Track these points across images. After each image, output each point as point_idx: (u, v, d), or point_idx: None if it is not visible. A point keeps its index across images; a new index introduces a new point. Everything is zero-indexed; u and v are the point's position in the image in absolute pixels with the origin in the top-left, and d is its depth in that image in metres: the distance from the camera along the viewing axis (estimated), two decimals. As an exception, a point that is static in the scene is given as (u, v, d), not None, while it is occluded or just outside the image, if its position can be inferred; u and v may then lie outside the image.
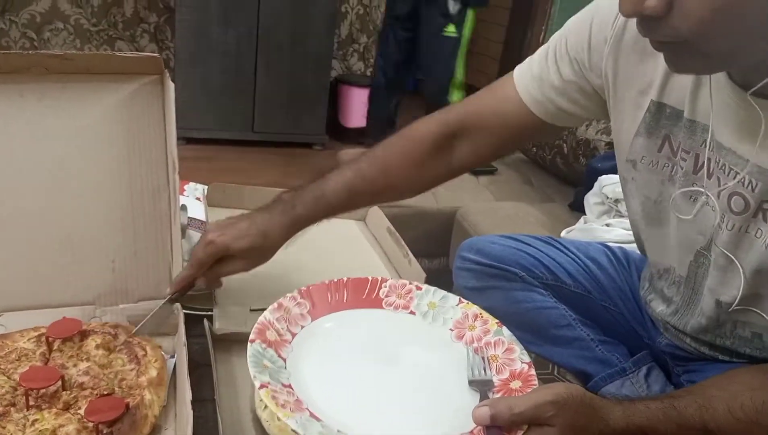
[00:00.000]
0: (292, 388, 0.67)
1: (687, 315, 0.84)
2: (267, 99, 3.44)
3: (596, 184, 1.67)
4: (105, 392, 0.70)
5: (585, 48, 0.81)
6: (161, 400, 0.71)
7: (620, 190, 1.60)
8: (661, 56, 0.72)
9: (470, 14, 2.81)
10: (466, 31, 2.81)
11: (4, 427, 0.65)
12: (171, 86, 0.83)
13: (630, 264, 1.06)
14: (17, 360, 0.73)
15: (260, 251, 0.87)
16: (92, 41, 3.48)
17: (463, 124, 0.94)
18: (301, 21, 3.31)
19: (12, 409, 0.67)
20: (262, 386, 0.63)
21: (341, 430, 0.61)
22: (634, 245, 0.98)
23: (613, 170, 1.69)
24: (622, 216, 1.57)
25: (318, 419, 0.63)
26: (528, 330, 1.06)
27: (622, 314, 1.04)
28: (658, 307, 0.90)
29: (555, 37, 0.86)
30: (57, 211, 0.84)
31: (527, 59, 0.90)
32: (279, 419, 0.71)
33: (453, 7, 2.72)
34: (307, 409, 0.64)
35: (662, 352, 0.96)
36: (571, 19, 0.85)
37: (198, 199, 1.30)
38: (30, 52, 0.79)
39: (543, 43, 0.89)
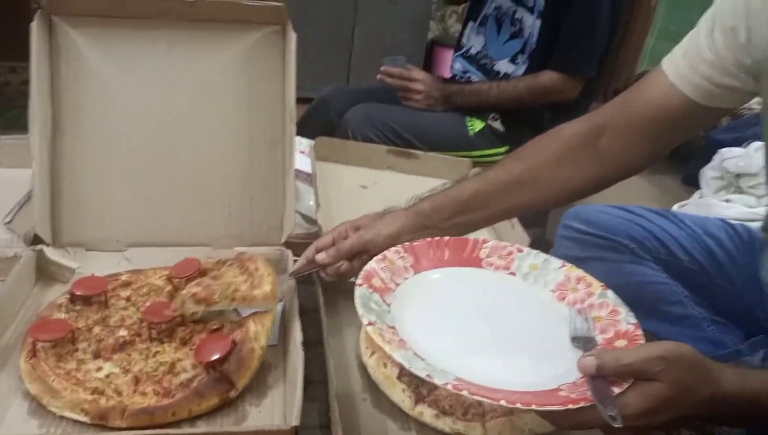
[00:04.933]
0: (397, 330, 0.68)
1: None
2: (363, 59, 3.43)
3: (716, 157, 1.57)
4: (214, 327, 0.72)
5: (742, 15, 0.75)
6: (267, 330, 0.72)
7: (743, 164, 1.52)
8: None
9: None
10: None
11: (129, 355, 0.70)
12: (293, 36, 0.84)
13: (753, 242, 0.99)
14: (147, 294, 0.78)
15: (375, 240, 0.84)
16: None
17: (611, 122, 0.88)
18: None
19: (137, 339, 0.72)
20: (369, 324, 0.64)
21: (445, 369, 0.62)
22: (757, 223, 0.92)
23: (736, 142, 1.59)
24: (742, 192, 1.48)
25: (422, 359, 0.64)
26: (633, 304, 1.01)
27: (739, 294, 0.99)
28: None
29: (704, 17, 0.81)
30: (180, 156, 0.88)
31: (675, 48, 0.84)
32: (384, 366, 0.73)
33: None
34: (411, 348, 0.65)
35: (783, 338, 0.91)
36: None
37: (302, 152, 1.32)
38: (163, -2, 0.82)
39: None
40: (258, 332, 0.71)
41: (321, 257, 0.82)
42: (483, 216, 0.89)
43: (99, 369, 0.67)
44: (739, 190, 1.48)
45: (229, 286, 0.73)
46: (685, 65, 0.81)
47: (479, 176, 0.91)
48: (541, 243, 1.38)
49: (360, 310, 0.66)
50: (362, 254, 0.82)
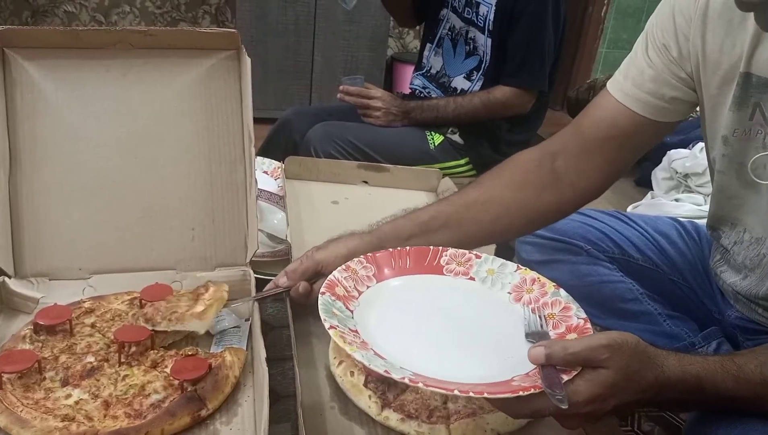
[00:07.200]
0: (359, 333, 0.71)
1: (762, 280, 0.83)
2: (324, 79, 3.46)
3: (665, 159, 1.64)
4: (190, 352, 0.74)
5: (671, 33, 0.81)
6: (241, 362, 0.75)
7: (690, 164, 1.58)
8: (747, 26, 0.72)
9: None
10: None
11: (98, 380, 0.70)
12: (247, 61, 0.85)
13: (701, 238, 1.04)
14: (111, 320, 0.79)
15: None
16: (156, 23, 3.58)
17: (565, 147, 0.92)
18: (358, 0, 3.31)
19: (105, 364, 0.72)
20: (331, 327, 0.67)
21: (404, 367, 0.64)
22: (705, 220, 0.97)
23: (682, 144, 1.65)
24: (691, 191, 1.54)
25: (382, 358, 0.66)
26: (593, 304, 1.05)
27: (691, 288, 1.03)
28: (730, 278, 0.89)
29: (640, 38, 0.86)
30: (140, 181, 0.88)
31: (616, 71, 0.89)
32: (352, 374, 0.75)
33: None
34: (371, 349, 0.68)
35: (732, 327, 0.95)
36: (651, 15, 0.85)
37: (265, 172, 1.34)
38: (116, 28, 0.83)
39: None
40: (234, 363, 0.73)
41: (282, 281, 0.85)
42: (443, 239, 0.90)
43: (68, 396, 0.67)
44: (689, 190, 1.54)
45: (171, 309, 0.77)
46: (628, 84, 0.85)
47: (440, 200, 0.94)
48: (505, 249, 1.41)
49: (323, 315, 0.69)
50: (319, 275, 0.84)
